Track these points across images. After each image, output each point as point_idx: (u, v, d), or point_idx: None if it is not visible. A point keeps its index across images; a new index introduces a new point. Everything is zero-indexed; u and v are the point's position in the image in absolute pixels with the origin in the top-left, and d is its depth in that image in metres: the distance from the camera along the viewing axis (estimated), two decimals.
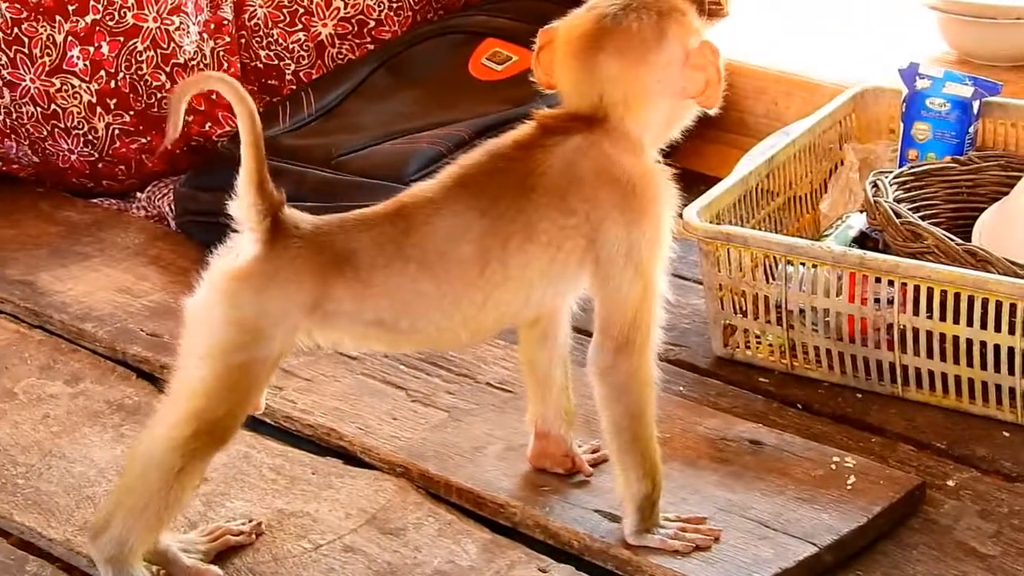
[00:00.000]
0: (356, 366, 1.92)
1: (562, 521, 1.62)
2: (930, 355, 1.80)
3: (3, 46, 2.35)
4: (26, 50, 2.35)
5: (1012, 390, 1.77)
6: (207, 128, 2.42)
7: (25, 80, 2.36)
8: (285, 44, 2.50)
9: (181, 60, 2.39)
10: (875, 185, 1.93)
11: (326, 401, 1.85)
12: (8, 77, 2.36)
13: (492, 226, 1.49)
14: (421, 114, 2.33)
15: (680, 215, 1.88)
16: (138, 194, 2.45)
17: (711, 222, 1.90)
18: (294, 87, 2.50)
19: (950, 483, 1.70)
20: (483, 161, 1.54)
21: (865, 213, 1.96)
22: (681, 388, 1.88)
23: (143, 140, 2.41)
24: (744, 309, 1.91)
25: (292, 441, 1.81)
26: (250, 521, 1.64)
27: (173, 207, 2.34)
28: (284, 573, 1.58)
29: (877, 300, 1.82)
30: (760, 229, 1.98)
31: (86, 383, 1.92)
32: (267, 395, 1.80)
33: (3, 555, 1.63)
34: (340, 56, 2.53)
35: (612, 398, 1.55)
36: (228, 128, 2.42)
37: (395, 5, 2.54)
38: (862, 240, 1.95)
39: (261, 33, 2.49)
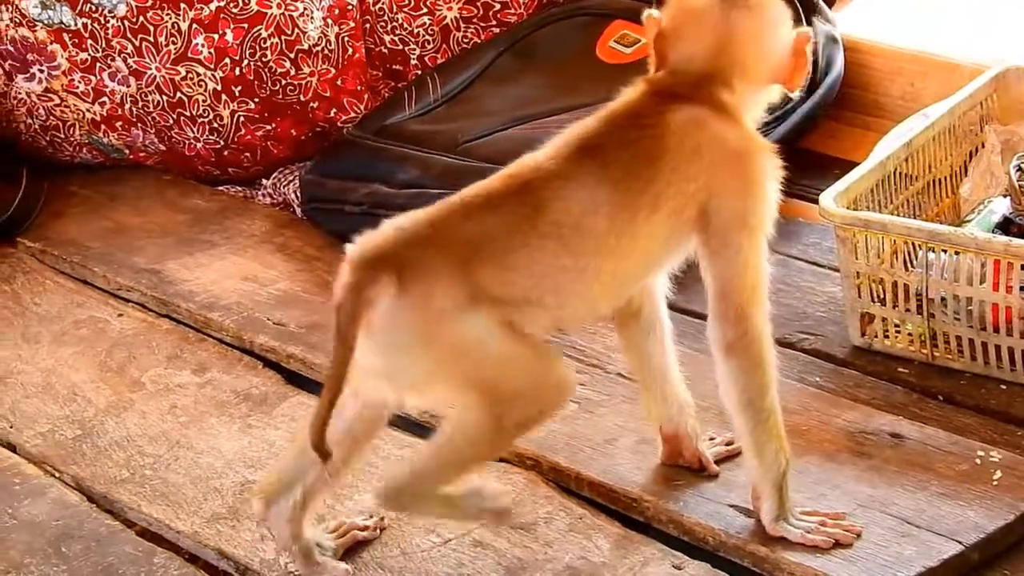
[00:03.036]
0: None
1: (696, 516, 1.58)
2: None
3: (129, 35, 2.35)
4: (151, 39, 2.35)
5: None
6: (332, 115, 2.40)
7: (151, 69, 2.36)
8: (410, 28, 2.47)
9: (305, 46, 2.37)
10: (1019, 168, 1.87)
11: None
12: (134, 66, 2.36)
13: (624, 197, 1.48)
14: (548, 98, 2.29)
15: (817, 200, 1.85)
16: (263, 181, 2.44)
17: (848, 208, 1.84)
18: (419, 72, 2.47)
19: None
20: (604, 130, 1.52)
21: (1008, 197, 1.90)
22: (818, 379, 1.82)
23: (268, 127, 2.40)
24: (882, 297, 1.85)
25: (419, 432, 1.78)
26: (372, 516, 1.62)
27: (299, 194, 2.32)
28: (413, 568, 1.55)
29: (1023, 288, 1.75)
30: (898, 215, 1.92)
31: (213, 372, 1.91)
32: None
33: (131, 546, 1.62)
34: (465, 40, 2.49)
35: (741, 370, 1.52)
36: (353, 115, 2.40)
37: None
38: (1006, 225, 1.89)
39: (386, 18, 2.46)
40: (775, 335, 1.86)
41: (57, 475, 1.74)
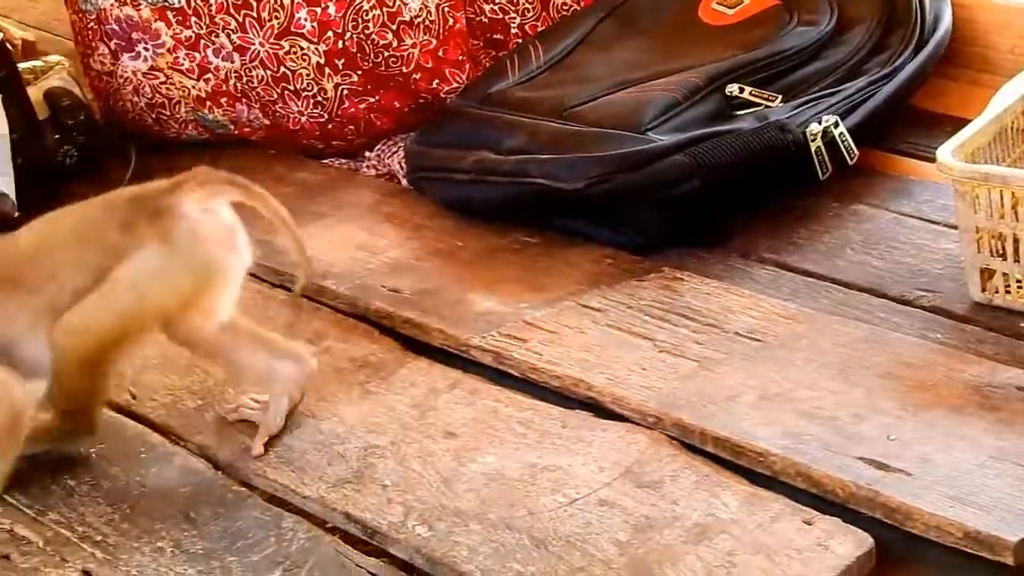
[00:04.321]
0: (600, 318, 1.89)
1: (824, 469, 1.57)
2: None
3: (232, 11, 2.36)
4: (255, 14, 2.36)
5: None
6: (434, 85, 2.40)
7: (255, 44, 2.37)
8: None
9: (407, 17, 2.37)
10: None
11: (572, 353, 1.82)
12: (238, 41, 2.37)
13: None
14: (651, 62, 2.28)
15: (927, 158, 1.83)
16: (367, 153, 2.44)
17: (966, 162, 1.82)
18: (520, 40, 2.47)
19: None
20: None
21: None
22: (939, 335, 1.81)
23: (371, 99, 2.40)
24: (1002, 252, 1.83)
25: (539, 394, 1.78)
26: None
27: (404, 165, 2.33)
28: (540, 527, 1.55)
29: None
30: (1017, 168, 1.89)
31: (330, 340, 1.92)
32: (512, 346, 1.79)
33: (259, 511, 1.63)
34: (565, 7, 2.49)
35: None
36: (455, 85, 2.40)
37: None
38: None
39: None
40: (893, 293, 1.87)
41: (182, 444, 1.75)
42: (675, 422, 1.67)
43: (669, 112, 2.11)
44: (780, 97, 2.15)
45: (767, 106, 2.14)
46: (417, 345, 1.90)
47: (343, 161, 2.44)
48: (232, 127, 2.46)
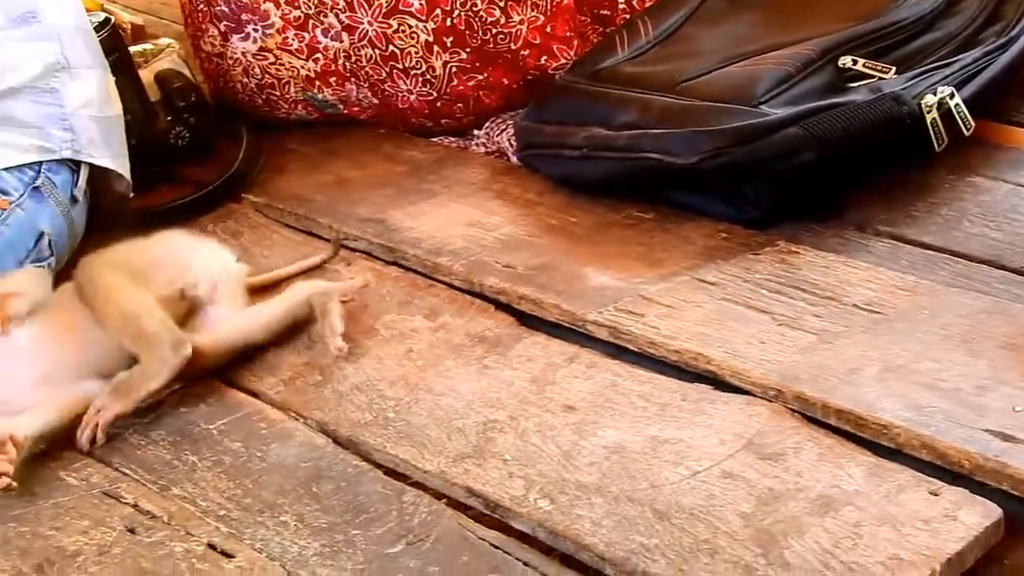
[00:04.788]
0: (716, 292, 1.88)
1: (950, 441, 1.55)
2: None
3: None
4: None
5: None
6: (543, 62, 2.40)
7: (363, 23, 2.37)
8: None
9: None
10: None
11: (689, 326, 1.81)
12: (346, 21, 2.37)
13: None
14: (763, 36, 2.26)
15: None
16: (475, 131, 2.45)
17: None
18: (627, 16, 2.46)
19: None
20: None
21: None
22: None
23: (480, 77, 2.40)
24: None
25: (656, 368, 1.78)
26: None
27: (514, 142, 2.33)
28: (663, 500, 1.55)
29: None
30: None
31: (445, 317, 1.92)
32: (629, 321, 1.79)
33: (380, 485, 1.64)
34: None
35: None
36: (563, 61, 2.40)
37: None
38: None
39: None
40: (1014, 264, 1.85)
41: (301, 419, 1.76)
42: (796, 395, 1.66)
43: (782, 85, 2.10)
44: (894, 69, 2.13)
45: (881, 78, 2.11)
46: (533, 320, 1.90)
47: (452, 139, 2.44)
48: (341, 106, 2.47)
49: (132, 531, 1.61)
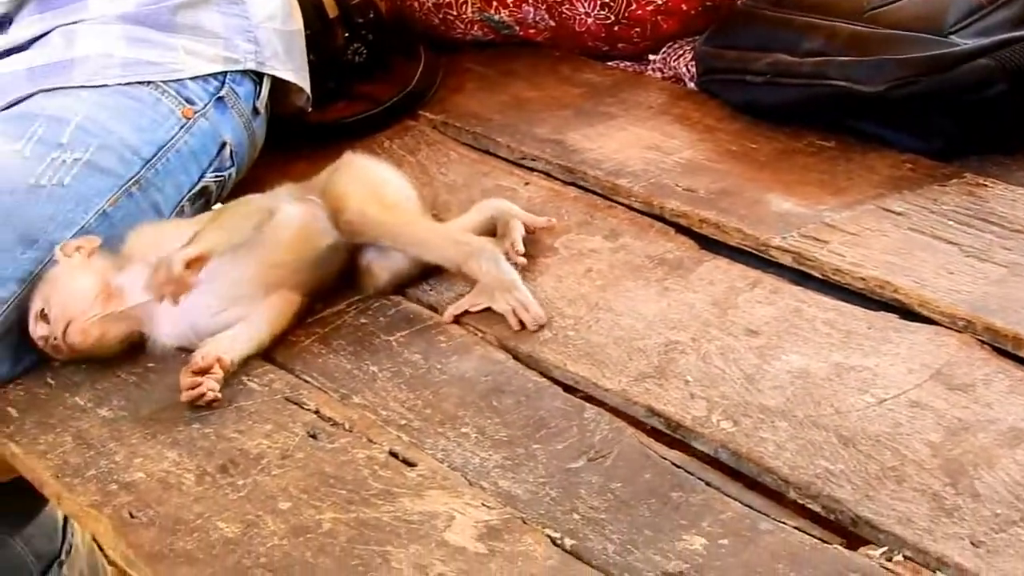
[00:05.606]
0: (902, 221, 1.85)
1: None
2: None
3: None
4: None
5: None
6: None
7: None
8: None
9: None
10: None
11: (875, 255, 1.79)
12: None
13: None
14: None
15: None
16: (651, 56, 2.42)
17: None
18: None
19: None
20: None
21: None
22: None
23: (659, 2, 2.38)
24: None
25: (841, 296, 1.75)
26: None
27: (692, 67, 2.31)
28: (848, 426, 1.53)
29: None
30: None
31: (625, 238, 1.91)
32: (813, 248, 1.77)
33: (560, 401, 1.64)
34: None
35: None
36: None
37: None
38: None
39: None
40: None
41: (480, 334, 1.76)
42: (987, 326, 1.63)
43: (973, 16, 2.05)
44: None
45: None
46: (713, 244, 1.88)
47: (627, 63, 2.42)
48: (517, 28, 2.46)
49: (314, 436, 1.62)
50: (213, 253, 1.73)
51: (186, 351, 1.77)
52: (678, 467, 1.52)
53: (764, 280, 1.79)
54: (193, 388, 1.67)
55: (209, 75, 2.02)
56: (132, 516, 1.53)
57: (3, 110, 1.94)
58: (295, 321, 1.81)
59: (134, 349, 1.80)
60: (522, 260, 1.83)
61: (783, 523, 1.44)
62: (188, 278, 1.70)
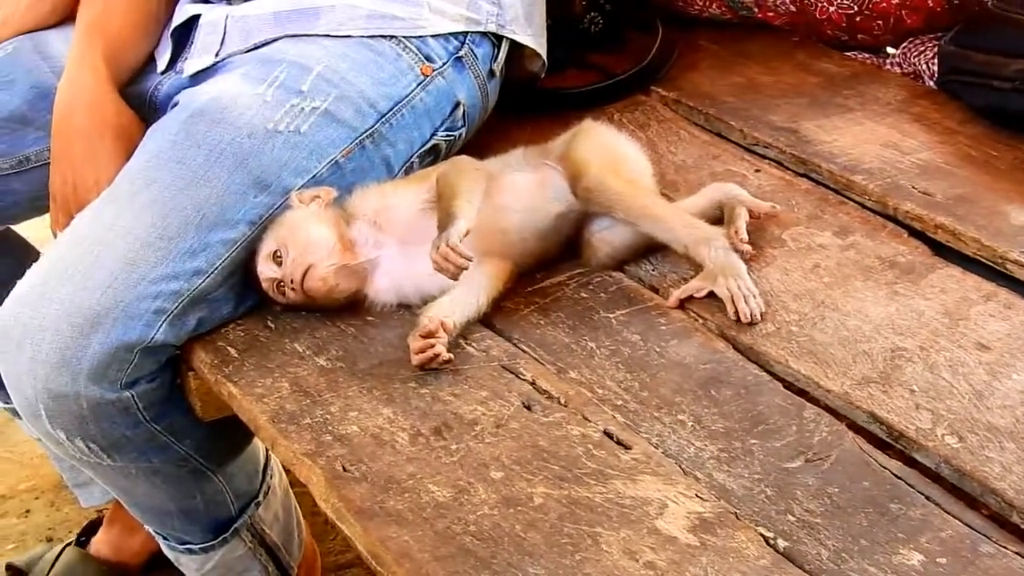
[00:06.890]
0: None
1: None
2: None
3: None
4: None
5: None
6: None
7: None
8: None
9: None
10: None
11: None
12: None
13: None
14: None
15: None
16: (890, 50, 2.37)
17: None
18: None
19: None
20: None
21: None
22: None
23: None
24: None
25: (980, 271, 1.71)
26: None
27: (934, 65, 2.25)
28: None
29: None
30: None
31: (856, 236, 1.87)
32: None
33: (780, 398, 1.61)
34: None
35: None
36: None
37: None
38: None
39: None
40: None
41: (701, 320, 1.74)
42: None
43: None
44: None
45: None
46: (947, 251, 1.84)
47: (866, 56, 2.38)
48: (756, 10, 2.42)
49: (529, 408, 1.62)
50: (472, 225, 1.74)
51: (404, 307, 1.77)
52: (899, 478, 1.49)
53: (999, 294, 1.74)
54: (423, 352, 1.68)
55: (450, 34, 2.02)
56: (345, 470, 1.54)
57: (248, 51, 1.96)
58: (505, 290, 1.80)
59: (351, 303, 1.81)
60: (747, 248, 1.80)
61: (1005, 547, 1.40)
62: (465, 253, 1.70)
